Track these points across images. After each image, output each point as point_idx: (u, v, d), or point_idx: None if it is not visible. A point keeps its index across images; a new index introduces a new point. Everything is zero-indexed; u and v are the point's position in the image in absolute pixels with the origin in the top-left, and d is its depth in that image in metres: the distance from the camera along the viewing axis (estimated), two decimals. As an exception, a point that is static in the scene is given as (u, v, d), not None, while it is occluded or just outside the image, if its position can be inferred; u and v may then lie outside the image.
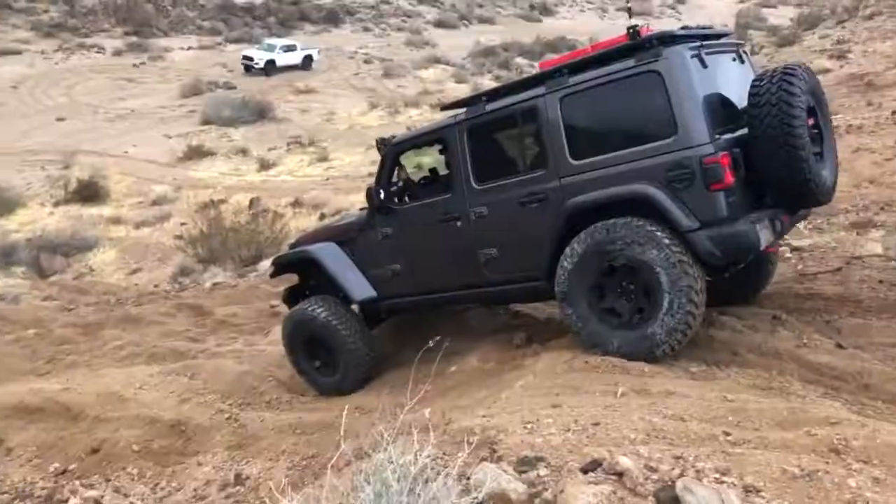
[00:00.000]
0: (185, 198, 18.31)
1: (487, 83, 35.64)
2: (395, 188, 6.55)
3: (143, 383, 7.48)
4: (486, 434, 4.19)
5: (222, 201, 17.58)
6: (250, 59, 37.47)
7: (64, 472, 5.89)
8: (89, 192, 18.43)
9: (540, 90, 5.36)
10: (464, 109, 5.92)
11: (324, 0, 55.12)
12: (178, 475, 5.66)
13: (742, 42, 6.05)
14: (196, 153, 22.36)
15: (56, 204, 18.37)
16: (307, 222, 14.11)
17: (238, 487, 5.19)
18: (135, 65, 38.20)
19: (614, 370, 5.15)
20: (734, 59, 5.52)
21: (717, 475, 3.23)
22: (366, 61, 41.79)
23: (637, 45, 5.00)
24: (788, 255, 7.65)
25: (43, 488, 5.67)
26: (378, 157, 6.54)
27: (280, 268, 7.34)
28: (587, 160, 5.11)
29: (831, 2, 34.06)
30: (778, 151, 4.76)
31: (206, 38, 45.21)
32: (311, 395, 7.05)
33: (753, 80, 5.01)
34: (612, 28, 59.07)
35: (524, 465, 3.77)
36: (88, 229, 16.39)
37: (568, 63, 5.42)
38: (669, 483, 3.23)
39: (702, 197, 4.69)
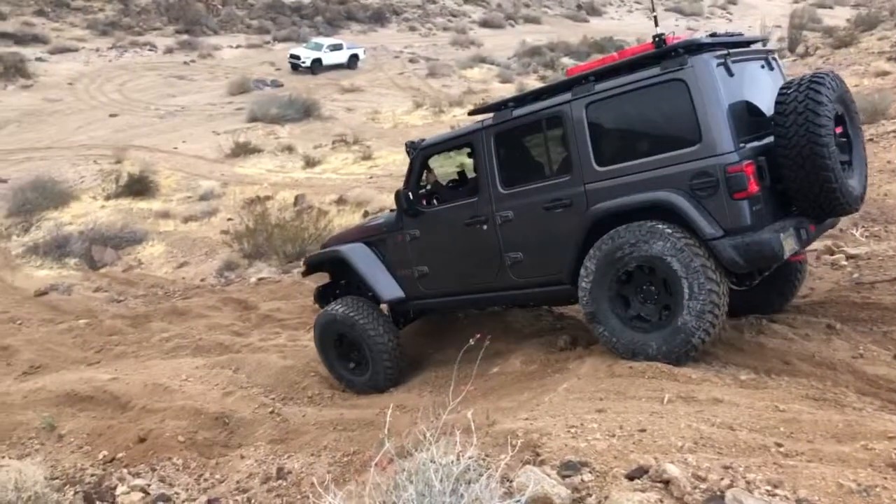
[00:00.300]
0: (232, 193, 18.57)
1: (532, 83, 35.45)
2: (423, 191, 6.60)
3: (189, 375, 7.62)
4: (529, 437, 4.15)
5: (268, 198, 17.79)
6: (297, 57, 37.91)
7: (112, 459, 6.02)
8: (140, 187, 18.74)
9: (566, 97, 5.38)
10: (491, 115, 5.95)
11: (371, 0, 55.54)
12: (221, 467, 5.73)
13: (773, 49, 5.99)
14: (243, 150, 22.63)
15: (108, 197, 18.74)
16: (351, 219, 14.19)
17: (280, 481, 5.23)
18: (185, 62, 38.96)
19: (660, 375, 5.06)
20: (763, 67, 5.48)
21: (769, 487, 3.14)
22: (411, 60, 41.94)
23: (663, 54, 4.99)
24: (844, 262, 7.42)
25: (92, 475, 5.80)
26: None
27: (311, 267, 7.47)
28: (612, 167, 5.13)
29: (890, 3, 33.02)
30: (804, 160, 4.73)
31: (255, 37, 45.90)
32: (353, 392, 7.08)
33: (781, 88, 4.96)
34: (660, 28, 58.27)
35: (568, 469, 3.73)
36: (138, 223, 16.71)
37: (594, 70, 5.42)
38: (718, 493, 3.15)
39: (726, 205, 4.69)
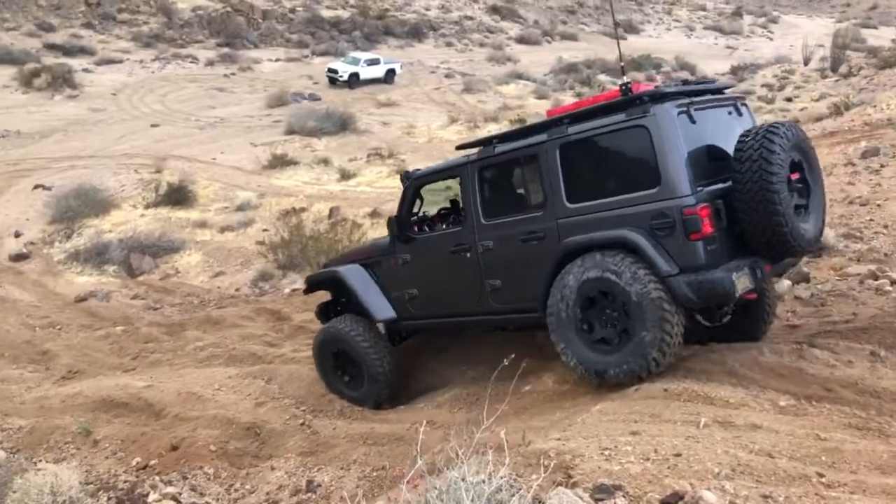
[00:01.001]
0: (268, 205, 18.77)
1: (569, 99, 35.36)
2: (415, 218, 6.94)
3: (222, 385, 7.68)
4: (562, 458, 4.10)
5: (303, 209, 17.95)
6: (335, 71, 38.35)
7: (145, 467, 6.07)
8: (178, 196, 19.00)
9: (543, 137, 5.73)
10: (477, 150, 6.30)
11: (408, 15, 56.02)
12: (251, 477, 5.76)
13: (741, 96, 6.22)
14: (280, 162, 22.87)
15: (147, 206, 19.04)
16: (383, 232, 14.21)
17: (310, 494, 5.24)
18: (225, 75, 39.64)
19: (696, 399, 4.98)
20: (730, 113, 5.76)
21: (810, 519, 3.05)
22: (447, 76, 42.13)
23: (629, 101, 5.30)
24: (888, 288, 7.23)
25: (125, 481, 5.86)
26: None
27: (312, 286, 7.79)
28: (582, 204, 5.46)
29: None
30: (756, 204, 5.02)
31: (294, 51, 46.58)
32: (385, 406, 7.07)
33: (740, 136, 5.25)
34: (699, 47, 57.83)
35: (601, 492, 3.66)
36: (176, 232, 16.94)
37: (570, 113, 5.76)
38: (758, 524, 3.07)
39: (682, 245, 4.99)
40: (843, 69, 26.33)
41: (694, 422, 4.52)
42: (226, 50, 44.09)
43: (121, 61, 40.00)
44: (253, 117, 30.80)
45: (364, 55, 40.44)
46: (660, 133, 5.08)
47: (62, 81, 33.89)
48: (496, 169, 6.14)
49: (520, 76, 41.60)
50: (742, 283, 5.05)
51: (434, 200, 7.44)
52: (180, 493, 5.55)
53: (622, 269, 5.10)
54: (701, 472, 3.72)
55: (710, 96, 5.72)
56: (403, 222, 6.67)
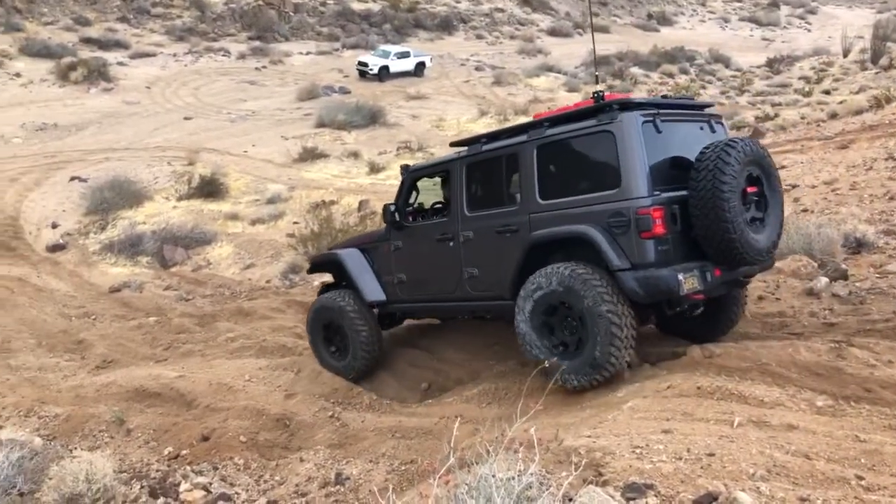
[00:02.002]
0: (298, 198, 18.88)
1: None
2: (410, 208, 7.37)
3: (252, 376, 7.75)
4: (592, 455, 4.05)
5: (333, 202, 18.02)
6: (365, 64, 38.40)
7: (176, 456, 6.15)
8: (210, 189, 19.18)
9: (523, 138, 6.19)
10: (466, 147, 6.79)
11: (438, 8, 55.89)
12: (281, 469, 5.79)
13: (717, 114, 6.49)
14: (310, 155, 22.98)
15: (179, 198, 19.26)
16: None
17: (338, 487, 5.25)
18: (257, 68, 39.93)
19: (729, 397, 4.89)
20: (702, 129, 6.08)
21: (850, 523, 2.97)
22: (477, 68, 41.97)
23: (601, 108, 5.70)
24: (930, 285, 7.04)
25: (157, 471, 5.94)
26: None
27: (314, 267, 8.35)
28: (552, 201, 5.88)
29: (982, 12, 31.31)
30: (707, 213, 5.35)
31: (324, 44, 46.73)
32: (412, 399, 7.08)
33: (702, 149, 5.55)
34: (734, 38, 56.88)
35: (632, 491, 3.61)
36: (208, 224, 17.12)
37: (550, 117, 6.24)
38: (795, 527, 3.00)
39: (634, 242, 5.36)
40: (883, 61, 25.68)
41: (727, 421, 4.44)
42: (257, 43, 44.41)
43: (154, 55, 40.48)
44: (284, 110, 31.00)
45: (394, 48, 40.45)
46: (623, 138, 5.46)
47: (97, 75, 34.42)
48: (481, 165, 6.56)
49: (550, 69, 41.29)
50: (689, 283, 5.37)
51: (437, 194, 7.78)
52: (211, 484, 5.61)
53: (577, 284, 5.42)
54: (735, 473, 3.65)
55: (682, 111, 6.12)
56: (399, 210, 7.12)
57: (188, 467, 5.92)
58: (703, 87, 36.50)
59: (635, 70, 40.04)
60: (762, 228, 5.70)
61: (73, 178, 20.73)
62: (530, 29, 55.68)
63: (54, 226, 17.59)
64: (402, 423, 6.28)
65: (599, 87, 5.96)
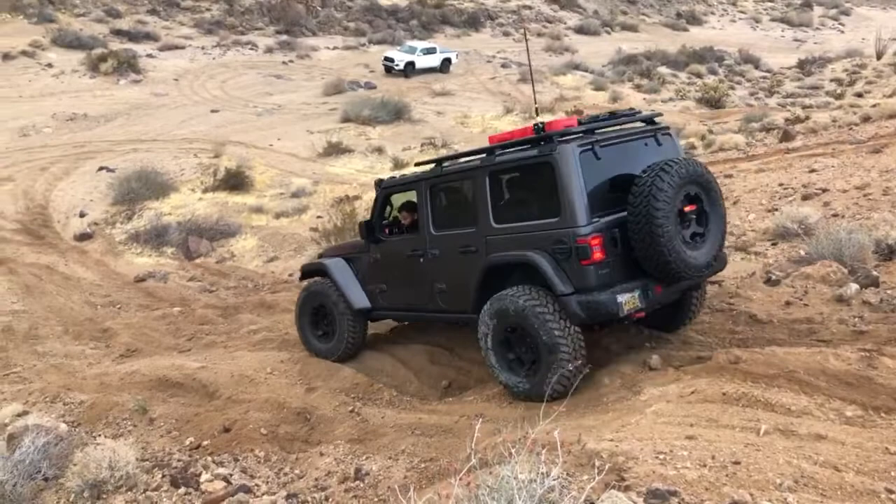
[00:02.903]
0: (322, 192, 18.93)
1: (627, 92, 34.75)
2: (385, 222, 7.72)
3: (274, 368, 7.78)
4: (615, 460, 4.01)
5: (356, 197, 18.05)
6: (391, 60, 38.40)
7: (198, 447, 6.19)
8: (236, 181, 19.28)
9: (477, 162, 6.46)
10: (431, 167, 7.06)
11: (466, 4, 55.74)
12: (300, 462, 5.80)
13: (667, 127, 6.59)
14: (335, 149, 23.03)
15: (205, 190, 19.37)
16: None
17: (358, 482, 5.24)
18: (284, 62, 40.09)
19: (755, 404, 4.81)
20: (647, 145, 6.22)
21: (880, 538, 2.90)
22: (503, 65, 41.78)
23: (541, 139, 5.96)
24: (964, 294, 6.88)
25: (179, 460, 5.98)
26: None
27: (305, 274, 8.61)
28: (504, 225, 6.17)
29: None
30: (643, 235, 5.55)
31: (351, 39, 46.82)
32: (432, 397, 7.06)
33: (639, 174, 5.70)
34: (765, 39, 56.08)
35: (655, 497, 3.57)
36: (232, 216, 17.21)
37: (500, 143, 6.45)
38: (823, 540, 2.93)
39: (575, 268, 5.64)
40: (918, 64, 25.14)
41: (753, 428, 4.37)
42: (284, 37, 44.59)
43: (183, 47, 40.81)
44: (309, 105, 31.12)
45: (420, 44, 40.41)
46: (561, 169, 5.67)
47: (127, 66, 34.78)
48: (443, 187, 6.86)
49: (577, 67, 40.99)
50: (630, 304, 5.66)
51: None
52: (231, 475, 5.64)
53: (525, 310, 5.77)
54: (761, 482, 3.59)
55: (622, 131, 6.30)
56: (374, 226, 7.51)
57: (209, 458, 5.96)
58: (732, 88, 36.07)
59: (663, 70, 39.63)
60: (702, 244, 5.91)
61: (100, 169, 20.96)
62: (557, 26, 55.32)
63: (82, 215, 17.81)
64: (423, 420, 6.26)
65: (540, 119, 6.45)
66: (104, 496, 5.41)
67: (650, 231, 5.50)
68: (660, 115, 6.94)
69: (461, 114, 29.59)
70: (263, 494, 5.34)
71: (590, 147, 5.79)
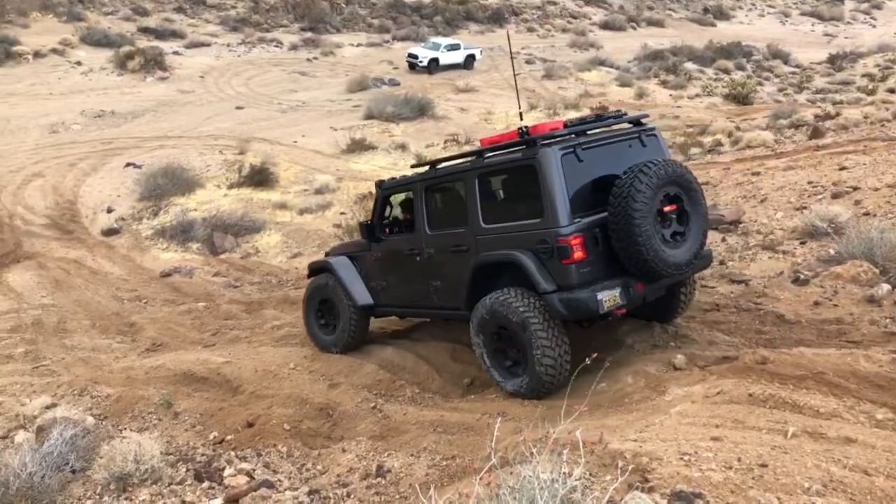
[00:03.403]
0: (346, 188, 18.98)
1: (652, 88, 34.42)
2: (386, 221, 8.04)
3: (297, 364, 7.82)
4: (638, 460, 3.96)
5: (379, 194, 18.03)
6: (415, 56, 38.41)
7: (222, 441, 6.23)
8: (260, 178, 19.37)
9: (468, 164, 6.67)
10: (426, 169, 7.30)
11: (490, 0, 55.56)
12: (323, 458, 5.82)
13: (652, 127, 6.74)
14: (358, 146, 23.08)
15: (230, 186, 19.50)
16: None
17: (379, 479, 5.24)
18: (308, 59, 40.27)
19: (783, 406, 4.73)
20: (631, 146, 6.38)
21: (912, 545, 2.83)
22: (527, 61, 41.59)
23: (525, 142, 6.16)
24: None
25: (203, 454, 6.03)
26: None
27: (312, 272, 8.89)
28: (493, 225, 6.38)
29: None
30: (622, 235, 5.75)
31: (375, 36, 46.88)
32: (454, 394, 7.05)
33: (620, 175, 5.87)
34: (794, 34, 55.25)
35: (679, 499, 3.52)
36: (257, 212, 17.31)
37: (489, 146, 6.70)
38: (853, 546, 2.87)
39: (557, 267, 5.85)
40: (953, 59, 24.59)
41: (781, 431, 4.30)
42: (309, 34, 44.79)
43: (209, 45, 41.15)
44: (333, 101, 31.22)
45: (444, 40, 40.38)
46: (544, 172, 5.86)
47: (154, 64, 35.15)
48: (437, 188, 7.12)
49: (602, 63, 40.69)
50: (610, 301, 5.85)
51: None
52: (254, 470, 5.67)
53: (507, 311, 6.03)
54: (789, 486, 3.52)
55: (606, 133, 6.48)
56: (374, 225, 7.80)
57: (233, 452, 6.00)
58: (760, 84, 35.59)
59: (689, 65, 39.21)
60: (683, 243, 6.08)
61: (128, 165, 21.21)
62: (582, 22, 54.97)
63: (109, 210, 18.03)
64: (444, 417, 6.25)
65: (525, 123, 6.52)
66: (129, 489, 5.47)
67: (629, 231, 5.70)
68: (646, 115, 7.08)
69: (485, 110, 29.51)
70: (286, 490, 5.36)
71: (572, 150, 5.98)
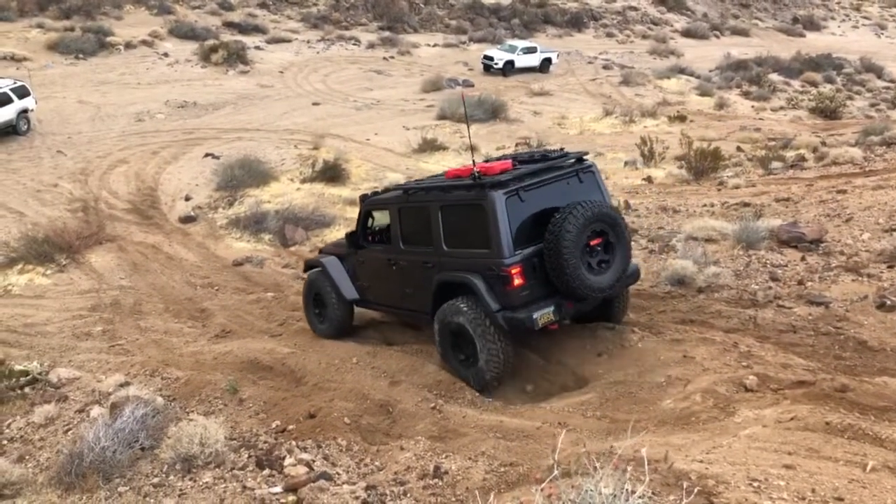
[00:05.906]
0: (414, 188, 19.07)
1: (734, 98, 33.45)
2: (369, 230, 8.99)
3: (360, 359, 7.88)
4: (704, 482, 3.84)
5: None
6: (490, 58, 38.32)
7: (283, 430, 6.33)
8: (332, 173, 19.66)
9: (432, 196, 7.68)
10: (401, 192, 8.30)
11: (569, 4, 55.03)
12: (381, 455, 5.84)
13: (590, 164, 7.64)
14: (429, 146, 23.17)
15: (303, 181, 19.86)
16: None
17: (436, 480, 5.23)
18: (385, 58, 40.71)
19: (862, 438, 4.51)
20: (569, 184, 7.32)
21: None
22: (605, 67, 40.99)
23: (476, 185, 7.06)
24: None
25: (265, 442, 6.14)
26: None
27: (307, 268, 9.99)
28: (453, 249, 7.44)
29: None
30: (554, 265, 6.83)
31: (452, 37, 47.01)
32: (515, 399, 6.99)
33: (554, 215, 6.87)
34: (889, 47, 52.74)
35: (747, 527, 3.38)
36: (327, 207, 17.57)
37: (448, 182, 7.61)
38: None
39: (502, 290, 6.94)
40: None
41: (859, 463, 4.09)
42: (387, 33, 45.26)
43: (289, 41, 42.03)
44: (407, 101, 31.46)
45: (521, 43, 40.16)
46: (490, 212, 6.87)
47: (236, 58, 36.12)
48: (408, 211, 8.07)
49: (682, 71, 39.76)
50: (544, 318, 6.88)
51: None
52: (314, 461, 5.73)
53: (464, 318, 7.10)
54: (867, 523, 3.34)
55: (545, 175, 7.24)
56: (357, 235, 8.85)
57: (293, 442, 6.08)
58: (850, 98, 34.13)
59: (774, 77, 37.92)
60: (608, 269, 7.14)
61: (206, 155, 21.86)
62: (663, 29, 53.85)
63: (187, 198, 18.61)
64: (504, 423, 6.20)
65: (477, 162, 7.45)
66: (194, 470, 5.62)
67: (559, 262, 6.76)
68: (586, 153, 7.96)
69: (558, 115, 29.23)
70: (343, 483, 5.40)
71: (515, 192, 6.95)
